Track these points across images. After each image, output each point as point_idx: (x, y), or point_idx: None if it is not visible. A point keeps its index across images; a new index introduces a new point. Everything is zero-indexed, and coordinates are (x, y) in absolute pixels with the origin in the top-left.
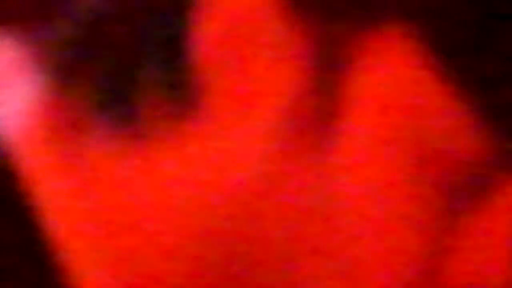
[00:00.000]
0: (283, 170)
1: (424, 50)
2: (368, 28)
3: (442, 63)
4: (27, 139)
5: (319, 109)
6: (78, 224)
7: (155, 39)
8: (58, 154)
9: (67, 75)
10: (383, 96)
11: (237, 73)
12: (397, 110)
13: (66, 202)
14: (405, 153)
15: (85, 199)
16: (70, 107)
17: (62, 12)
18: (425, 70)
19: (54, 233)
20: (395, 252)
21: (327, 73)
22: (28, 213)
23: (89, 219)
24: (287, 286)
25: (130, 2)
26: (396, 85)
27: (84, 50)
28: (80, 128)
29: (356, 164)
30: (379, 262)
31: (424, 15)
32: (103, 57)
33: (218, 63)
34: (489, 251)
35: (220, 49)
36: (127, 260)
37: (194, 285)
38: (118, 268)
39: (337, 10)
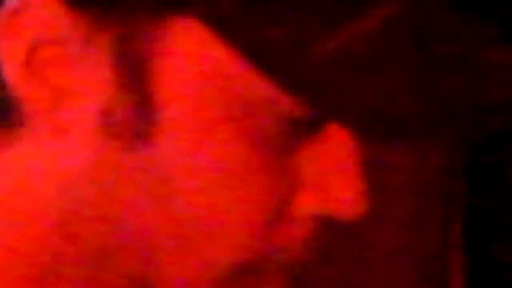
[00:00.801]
0: (110, 164)
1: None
2: (164, 16)
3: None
4: None
5: (132, 106)
6: None
7: None
8: None
9: None
10: (186, 78)
11: (48, 87)
12: (202, 86)
13: None
14: (224, 122)
15: None
16: None
17: None
18: (223, 50)
19: None
20: (243, 202)
21: (132, 69)
22: None
23: None
24: (144, 255)
25: None
26: (196, 64)
27: None
28: None
29: (181, 143)
30: (231, 213)
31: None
32: None
33: (28, 80)
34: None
35: (27, 67)
36: None
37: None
38: None
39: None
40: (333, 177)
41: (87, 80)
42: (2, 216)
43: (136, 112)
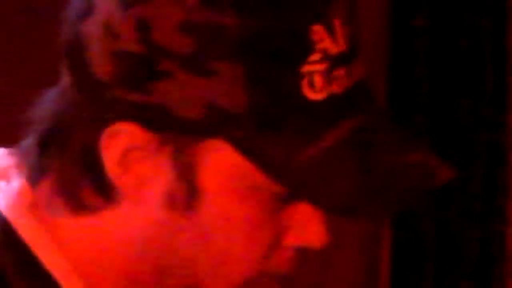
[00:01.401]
0: (176, 232)
1: None
2: (203, 139)
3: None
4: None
5: (184, 190)
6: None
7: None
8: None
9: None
10: (219, 175)
11: (133, 176)
12: (229, 178)
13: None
14: None
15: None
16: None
17: None
18: (241, 160)
19: None
20: (251, 242)
21: (184, 169)
22: None
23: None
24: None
25: None
26: (224, 168)
27: None
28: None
29: (216, 210)
30: (241, 253)
31: None
32: None
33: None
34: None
35: (121, 164)
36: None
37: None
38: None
39: None
40: (305, 221)
41: (157, 173)
42: (102, 254)
43: (187, 194)
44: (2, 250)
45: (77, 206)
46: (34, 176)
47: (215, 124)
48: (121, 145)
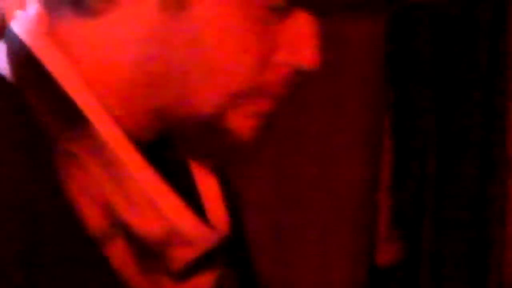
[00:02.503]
0: (169, 35)
1: None
2: None
3: None
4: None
5: None
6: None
7: None
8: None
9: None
10: None
11: None
12: None
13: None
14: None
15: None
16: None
17: None
18: None
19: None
20: (242, 51)
21: None
22: None
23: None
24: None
25: None
26: None
27: None
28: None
29: (209, 12)
30: (232, 62)
31: None
32: None
33: None
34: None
35: None
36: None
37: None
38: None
39: None
40: (299, 41)
41: None
42: (103, 56)
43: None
44: (27, 79)
45: (83, 10)
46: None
47: None
48: None
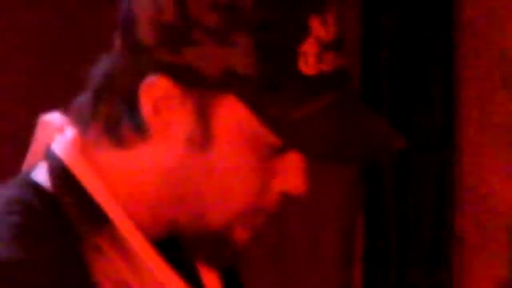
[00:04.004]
0: (192, 167)
1: None
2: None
3: None
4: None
5: (201, 135)
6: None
7: None
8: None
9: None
10: (231, 125)
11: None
12: (240, 130)
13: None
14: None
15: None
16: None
17: None
18: (251, 117)
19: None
20: (250, 181)
21: (202, 119)
22: None
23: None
24: (202, 203)
25: None
26: (236, 122)
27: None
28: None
29: (225, 152)
30: (241, 189)
31: None
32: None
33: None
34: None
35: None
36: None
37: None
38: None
39: None
40: (291, 172)
41: (181, 119)
42: (131, 182)
43: (203, 137)
44: (63, 190)
45: (118, 142)
46: (84, 124)
47: (229, 83)
48: (156, 94)
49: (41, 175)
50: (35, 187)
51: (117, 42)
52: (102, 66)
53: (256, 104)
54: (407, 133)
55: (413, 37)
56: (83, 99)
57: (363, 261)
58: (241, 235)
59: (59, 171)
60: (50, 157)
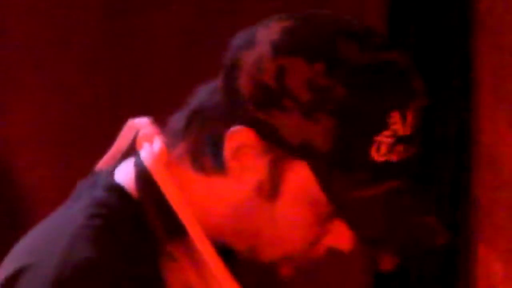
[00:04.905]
0: (257, 210)
1: None
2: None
3: None
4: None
5: (269, 189)
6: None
7: None
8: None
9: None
10: (297, 192)
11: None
12: (302, 199)
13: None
14: None
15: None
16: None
17: None
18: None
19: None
20: (303, 235)
21: (274, 177)
22: None
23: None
24: (263, 239)
25: None
26: (302, 190)
27: None
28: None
29: (289, 206)
30: (294, 239)
31: None
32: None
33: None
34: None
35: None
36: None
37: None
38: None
39: None
40: (341, 234)
41: (256, 168)
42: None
43: (271, 189)
44: (147, 198)
45: (199, 167)
46: (173, 141)
47: (305, 153)
48: (239, 140)
49: (126, 180)
50: (121, 191)
51: (220, 78)
52: (202, 93)
53: (324, 178)
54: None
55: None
56: (178, 116)
57: None
58: (285, 271)
59: (146, 179)
60: (137, 163)
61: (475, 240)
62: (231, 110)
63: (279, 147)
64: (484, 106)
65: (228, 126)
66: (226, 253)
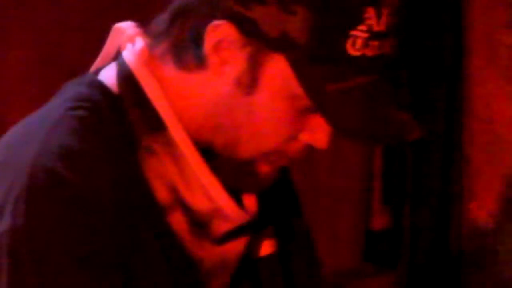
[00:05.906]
0: (235, 104)
1: None
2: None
3: None
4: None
5: (248, 80)
6: None
7: None
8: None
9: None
10: (275, 84)
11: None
12: (281, 90)
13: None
14: None
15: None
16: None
17: None
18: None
19: None
20: (281, 128)
21: (251, 68)
22: None
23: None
24: (237, 135)
25: None
26: (280, 83)
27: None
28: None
29: (264, 100)
30: (272, 133)
31: None
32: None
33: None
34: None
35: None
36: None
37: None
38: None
39: None
40: (318, 129)
41: (235, 62)
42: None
43: (249, 82)
44: (128, 93)
45: (181, 64)
46: (156, 41)
47: (283, 45)
48: (220, 35)
49: (108, 77)
50: (103, 87)
51: None
52: None
53: (301, 70)
54: (419, 60)
55: None
56: (162, 17)
57: (381, 177)
58: (263, 169)
59: (126, 76)
60: (119, 62)
61: (467, 195)
62: (212, 6)
63: (258, 41)
64: (475, 65)
65: (209, 21)
66: (205, 152)
